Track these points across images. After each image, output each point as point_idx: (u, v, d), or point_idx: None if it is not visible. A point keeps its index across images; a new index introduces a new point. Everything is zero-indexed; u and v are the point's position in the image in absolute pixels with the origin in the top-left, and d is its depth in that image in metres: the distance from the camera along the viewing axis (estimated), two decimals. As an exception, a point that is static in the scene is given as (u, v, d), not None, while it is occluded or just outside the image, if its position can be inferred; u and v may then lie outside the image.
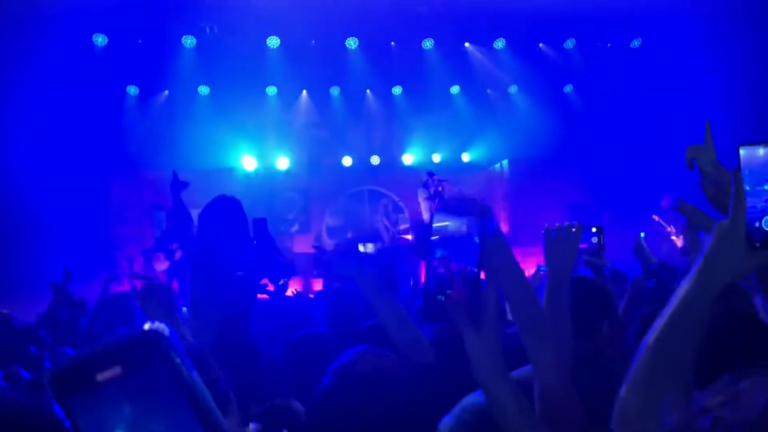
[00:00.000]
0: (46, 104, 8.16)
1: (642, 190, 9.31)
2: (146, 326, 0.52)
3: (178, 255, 6.76)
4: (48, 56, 8.04)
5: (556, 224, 1.65)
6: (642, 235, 9.04)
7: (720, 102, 8.14)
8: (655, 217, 8.82)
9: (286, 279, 3.50)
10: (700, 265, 0.96)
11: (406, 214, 10.33)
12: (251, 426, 0.55)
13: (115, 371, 0.52)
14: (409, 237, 10.22)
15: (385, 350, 1.53)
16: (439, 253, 1.04)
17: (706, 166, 1.65)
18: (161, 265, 7.03)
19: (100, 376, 0.52)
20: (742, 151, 0.98)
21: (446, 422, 1.29)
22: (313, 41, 9.67)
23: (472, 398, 1.29)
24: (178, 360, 0.53)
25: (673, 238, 8.49)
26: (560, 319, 1.47)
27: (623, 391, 0.95)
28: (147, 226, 7.55)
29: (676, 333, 0.93)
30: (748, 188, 0.96)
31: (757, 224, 0.95)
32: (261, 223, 3.32)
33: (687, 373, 0.92)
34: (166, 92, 9.47)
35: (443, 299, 1.02)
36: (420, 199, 8.86)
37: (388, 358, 1.48)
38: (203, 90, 9.65)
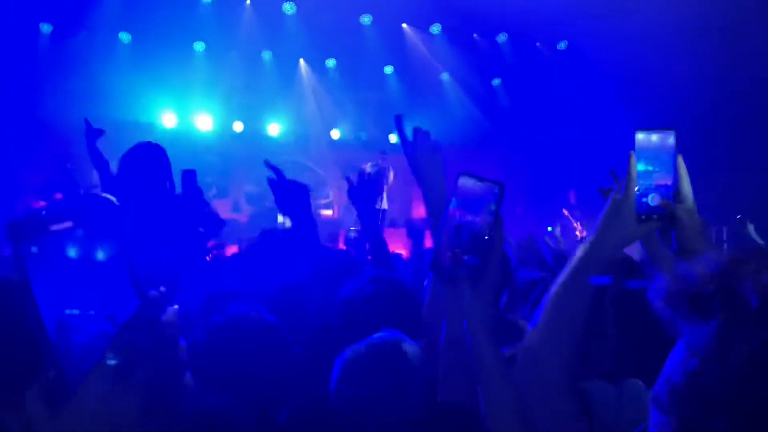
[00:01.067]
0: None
1: (556, 185, 9.82)
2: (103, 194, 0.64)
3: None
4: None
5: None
6: (549, 229, 9.57)
7: (634, 113, 8.71)
8: (565, 212, 9.35)
9: (213, 232, 3.45)
10: (595, 233, 1.10)
11: (329, 190, 10.31)
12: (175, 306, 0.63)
13: (67, 224, 0.61)
14: (330, 212, 10.23)
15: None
16: (453, 203, 1.09)
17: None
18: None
19: (54, 227, 0.60)
20: (638, 136, 1.13)
21: (345, 353, 1.38)
22: (248, 0, 9.34)
23: (377, 336, 1.38)
24: (118, 220, 0.64)
25: (578, 233, 9.04)
26: None
27: (526, 341, 1.09)
28: (56, 176, 7.11)
29: (571, 292, 1.07)
30: (640, 168, 1.11)
31: (644, 200, 1.10)
32: (190, 174, 3.23)
33: (579, 328, 1.06)
34: (83, 34, 8.82)
35: (450, 255, 1.07)
36: (366, 169, 8.84)
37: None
38: (124, 37, 9.09)
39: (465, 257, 1.06)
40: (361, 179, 2.48)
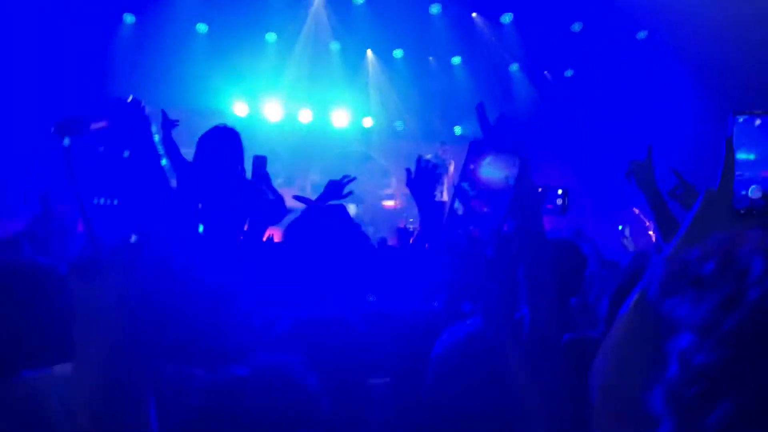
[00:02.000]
0: (36, 20, 7.91)
1: (625, 181, 9.38)
2: (130, 98, 0.80)
3: None
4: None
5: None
6: (620, 227, 9.16)
7: (716, 109, 8.19)
8: (636, 210, 8.93)
9: (278, 219, 3.51)
10: (686, 229, 0.98)
11: (392, 180, 10.33)
12: None
13: (103, 123, 0.75)
14: (392, 203, 10.25)
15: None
16: (466, 178, 1.07)
17: (642, 180, 1.98)
18: None
19: (93, 126, 0.74)
20: (737, 120, 0.98)
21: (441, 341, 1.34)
22: (318, -8, 9.46)
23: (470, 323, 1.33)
24: (149, 129, 0.79)
25: (651, 233, 8.62)
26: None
27: (602, 360, 0.99)
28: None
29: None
30: (740, 157, 0.97)
31: (743, 192, 0.96)
32: (261, 161, 3.36)
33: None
34: (164, 25, 9.21)
35: (462, 233, 1.06)
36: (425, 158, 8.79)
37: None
38: (201, 28, 9.41)
39: (477, 236, 1.03)
40: (419, 168, 2.45)
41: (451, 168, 8.93)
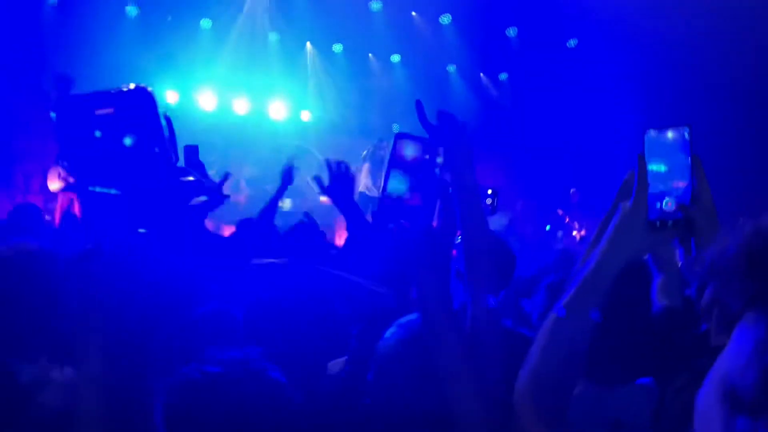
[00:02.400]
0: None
1: (556, 184, 9.78)
2: (131, 86, 0.75)
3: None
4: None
5: None
6: (548, 228, 9.51)
7: (643, 114, 8.67)
8: (560, 212, 9.32)
9: (214, 206, 3.43)
10: (605, 244, 1.01)
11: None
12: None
13: (109, 110, 0.70)
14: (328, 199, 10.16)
15: None
16: (399, 181, 1.10)
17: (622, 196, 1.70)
18: (55, 184, 6.47)
19: (98, 111, 0.70)
20: (649, 134, 1.03)
21: (387, 334, 1.33)
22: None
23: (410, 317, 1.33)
24: (156, 115, 0.75)
25: (575, 233, 9.02)
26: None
27: (529, 361, 1.02)
28: (51, 141, 7.03)
29: (580, 304, 1.00)
30: (652, 170, 1.01)
31: (657, 205, 0.99)
32: (193, 150, 3.25)
33: (584, 345, 1.00)
34: (89, 5, 8.69)
35: (392, 228, 1.08)
36: (363, 158, 8.81)
37: None
38: (131, 11, 8.97)
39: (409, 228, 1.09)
40: (332, 173, 2.43)
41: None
